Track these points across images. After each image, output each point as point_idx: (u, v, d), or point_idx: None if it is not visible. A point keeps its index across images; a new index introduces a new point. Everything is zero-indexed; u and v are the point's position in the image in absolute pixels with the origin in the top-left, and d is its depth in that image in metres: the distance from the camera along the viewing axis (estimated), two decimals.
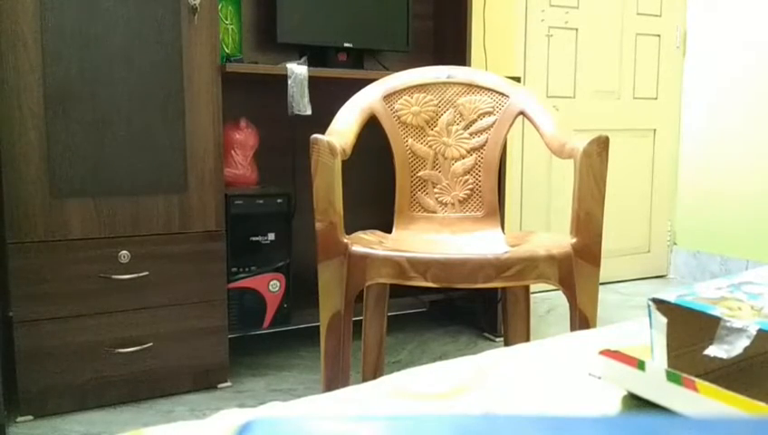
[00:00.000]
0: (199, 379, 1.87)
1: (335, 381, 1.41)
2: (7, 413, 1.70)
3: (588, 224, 1.36)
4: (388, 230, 1.71)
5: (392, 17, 2.26)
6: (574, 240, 1.36)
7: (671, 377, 0.42)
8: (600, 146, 1.36)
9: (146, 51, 1.71)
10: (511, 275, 1.30)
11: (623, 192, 3.16)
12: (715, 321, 0.44)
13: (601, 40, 3.00)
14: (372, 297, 1.66)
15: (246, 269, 1.94)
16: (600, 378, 0.52)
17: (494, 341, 2.33)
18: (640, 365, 0.44)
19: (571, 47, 2.93)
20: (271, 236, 1.96)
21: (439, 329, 2.46)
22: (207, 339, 1.85)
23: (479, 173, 1.72)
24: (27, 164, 1.62)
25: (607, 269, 3.15)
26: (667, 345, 0.46)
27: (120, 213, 1.72)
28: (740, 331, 0.43)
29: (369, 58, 2.40)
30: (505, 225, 2.28)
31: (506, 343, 1.80)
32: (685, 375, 0.42)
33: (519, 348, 0.60)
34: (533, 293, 2.95)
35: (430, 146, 1.74)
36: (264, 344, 2.30)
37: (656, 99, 3.18)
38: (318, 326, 2.19)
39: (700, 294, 0.48)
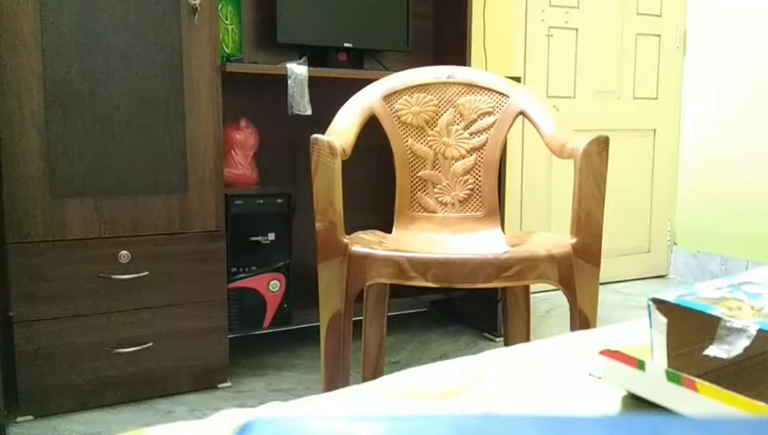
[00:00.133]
0: (199, 379, 1.87)
1: (335, 381, 1.41)
2: (7, 413, 1.70)
3: (588, 224, 1.36)
4: (388, 230, 1.71)
5: (392, 17, 2.26)
6: (574, 240, 1.36)
7: (671, 377, 0.42)
8: (600, 146, 1.36)
9: (146, 51, 1.71)
10: (511, 275, 1.30)
11: (623, 192, 3.16)
12: (715, 321, 0.44)
13: (601, 40, 3.00)
14: (372, 297, 1.66)
15: (246, 269, 1.94)
16: (600, 378, 0.52)
17: (494, 341, 2.33)
18: (640, 365, 0.44)
19: (571, 47, 2.94)
20: (271, 236, 1.96)
21: (439, 329, 2.46)
22: (207, 339, 1.85)
23: (479, 173, 1.72)
24: (27, 164, 1.62)
25: (607, 269, 3.15)
26: (667, 345, 0.46)
27: (120, 213, 1.72)
28: (740, 331, 0.43)
29: (369, 58, 2.40)
30: (505, 225, 2.28)
31: (506, 343, 1.80)
32: (685, 375, 0.42)
33: (519, 348, 0.60)
34: (533, 293, 2.95)
35: (430, 146, 1.74)
36: (263, 344, 2.30)
37: (656, 99, 3.18)
38: (318, 326, 2.19)
39: (700, 294, 0.48)
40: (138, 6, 1.69)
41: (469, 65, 2.30)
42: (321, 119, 2.00)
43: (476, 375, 0.53)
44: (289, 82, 1.88)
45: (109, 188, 1.71)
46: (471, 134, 1.74)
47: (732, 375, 0.48)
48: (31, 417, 1.68)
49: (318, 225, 1.37)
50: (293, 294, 2.05)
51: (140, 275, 1.75)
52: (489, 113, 1.73)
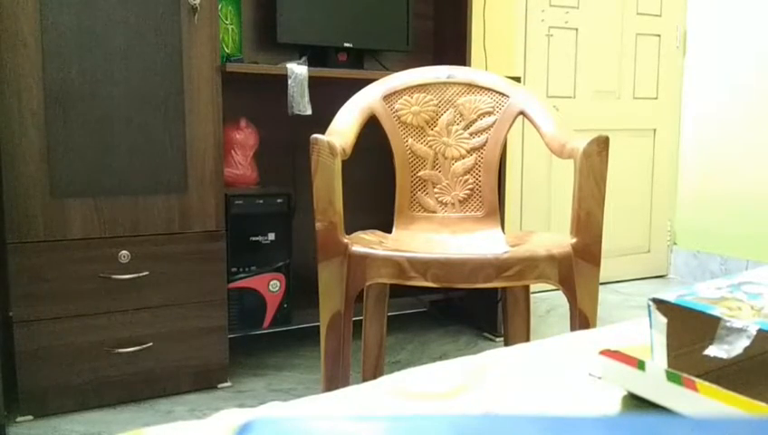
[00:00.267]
0: (199, 379, 1.87)
1: (335, 381, 1.41)
2: (7, 413, 1.70)
3: (588, 224, 1.36)
4: (388, 230, 1.71)
5: (392, 17, 2.26)
6: (574, 240, 1.36)
7: (671, 377, 0.42)
8: (600, 146, 1.36)
9: (146, 51, 1.71)
10: (511, 275, 1.30)
11: (623, 192, 3.16)
12: (715, 321, 0.44)
13: (601, 40, 3.00)
14: (372, 297, 1.66)
15: (246, 269, 1.94)
16: (600, 378, 0.52)
17: (494, 341, 2.33)
18: (640, 365, 0.44)
19: (571, 47, 2.94)
20: (271, 236, 1.96)
21: (439, 329, 2.46)
22: (207, 339, 1.85)
23: (479, 173, 1.72)
24: (27, 164, 1.62)
25: (607, 269, 3.15)
26: (667, 345, 0.46)
27: (120, 213, 1.72)
28: (740, 331, 0.43)
29: (369, 58, 2.40)
30: (505, 225, 2.28)
31: (506, 343, 1.80)
32: (685, 375, 0.42)
33: (519, 348, 0.60)
34: (533, 293, 2.95)
35: (430, 146, 1.74)
36: (263, 344, 2.30)
37: (656, 99, 3.18)
38: (318, 326, 2.19)
39: (700, 294, 0.48)
40: (138, 6, 1.69)
41: (469, 65, 2.30)
42: (321, 119, 2.00)
43: (476, 375, 0.53)
44: (289, 82, 1.88)
45: (109, 188, 1.71)
46: (471, 134, 1.74)
47: (732, 375, 0.48)
48: (31, 417, 1.68)
49: (318, 225, 1.37)
50: (293, 294, 2.05)
51: (140, 275, 1.75)
52: (489, 113, 1.73)
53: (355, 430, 0.21)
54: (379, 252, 1.33)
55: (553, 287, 2.08)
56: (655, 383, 0.43)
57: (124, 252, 1.73)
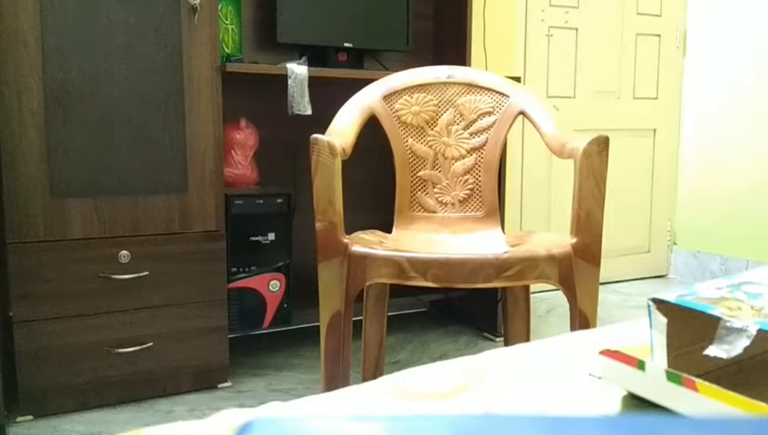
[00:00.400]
0: (199, 379, 1.87)
1: (335, 381, 1.41)
2: (7, 413, 1.70)
3: (588, 224, 1.36)
4: (388, 230, 1.71)
5: (392, 17, 2.26)
6: (574, 240, 1.36)
7: (671, 377, 0.42)
8: (600, 146, 1.36)
9: (146, 51, 1.71)
10: (511, 275, 1.30)
11: (623, 192, 3.16)
12: (715, 321, 0.44)
13: (601, 40, 3.00)
14: (372, 297, 1.66)
15: (246, 269, 1.94)
16: (600, 378, 0.52)
17: (494, 341, 2.33)
18: (640, 365, 0.44)
19: (571, 47, 2.94)
20: (271, 236, 1.96)
21: (439, 329, 2.46)
22: (207, 339, 1.85)
23: (479, 173, 1.72)
24: (27, 164, 1.62)
25: (607, 269, 3.15)
26: (667, 345, 0.46)
27: (120, 213, 1.72)
28: (740, 331, 0.43)
29: (369, 58, 2.40)
30: (505, 225, 2.28)
31: (506, 343, 1.80)
32: (685, 375, 0.42)
33: (519, 348, 0.60)
34: (533, 293, 2.95)
35: (430, 146, 1.74)
36: (263, 344, 2.30)
37: (656, 99, 3.18)
38: (318, 326, 2.19)
39: (700, 294, 0.48)
40: (138, 6, 1.69)
41: (469, 65, 2.30)
42: (321, 119, 2.00)
43: (476, 375, 0.53)
44: (289, 81, 1.88)
45: (109, 188, 1.71)
46: (471, 134, 1.74)
47: (732, 375, 0.48)
48: (31, 417, 1.68)
49: (318, 225, 1.37)
50: (293, 294, 2.05)
51: (140, 275, 1.75)
52: (489, 113, 1.73)
53: (355, 430, 0.21)
54: (379, 252, 1.33)
55: (553, 287, 2.08)
56: (655, 383, 0.43)
57: (124, 252, 1.73)
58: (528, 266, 1.31)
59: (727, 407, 0.39)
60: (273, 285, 1.98)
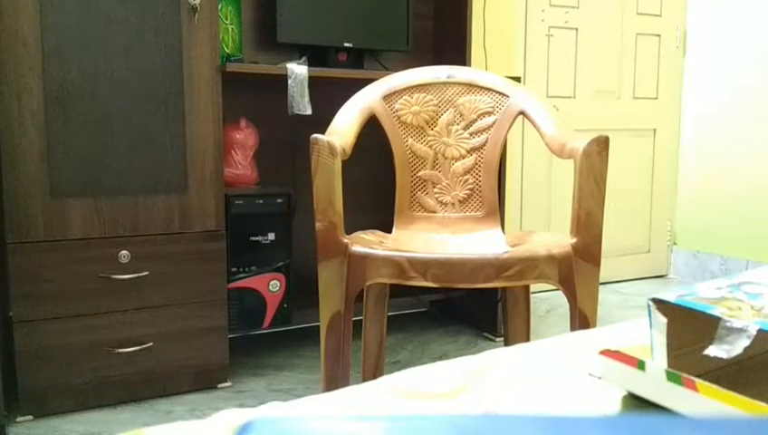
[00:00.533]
0: (199, 379, 1.87)
1: (335, 381, 1.41)
2: (7, 413, 1.70)
3: (588, 224, 1.36)
4: (388, 230, 1.71)
5: (392, 17, 2.26)
6: (574, 240, 1.36)
7: (671, 377, 0.42)
8: (600, 146, 1.36)
9: (146, 51, 1.71)
10: (511, 275, 1.30)
11: (623, 192, 3.16)
12: (715, 321, 0.44)
13: (601, 40, 3.00)
14: (372, 297, 1.66)
15: (246, 269, 1.94)
16: (600, 378, 0.52)
17: (494, 341, 2.33)
18: (640, 365, 0.44)
19: (571, 47, 2.94)
20: (271, 236, 1.96)
21: (439, 329, 2.46)
22: (207, 339, 1.85)
23: (479, 173, 1.72)
24: (27, 164, 1.62)
25: (607, 269, 3.15)
26: (667, 345, 0.46)
27: (120, 213, 1.72)
28: (740, 331, 0.43)
29: (369, 58, 2.40)
30: (505, 225, 2.28)
31: (506, 343, 1.80)
32: (685, 375, 0.42)
33: (519, 348, 0.60)
34: (533, 293, 2.95)
35: (430, 146, 1.74)
36: (263, 344, 2.30)
37: (656, 99, 3.18)
38: (318, 326, 2.19)
39: (700, 294, 0.48)
40: (138, 6, 1.69)
41: (469, 65, 2.30)
42: (321, 119, 2.00)
43: (476, 375, 0.53)
44: (289, 81, 1.88)
45: (109, 188, 1.71)
46: (471, 134, 1.74)
47: (732, 375, 0.48)
48: (31, 417, 1.68)
49: (318, 225, 1.37)
50: (293, 294, 2.05)
51: (140, 275, 1.75)
52: (489, 113, 1.73)
53: (355, 430, 0.21)
54: (379, 252, 1.33)
55: (553, 287, 2.08)
56: (655, 383, 0.43)
57: (124, 252, 1.73)
58: (528, 266, 1.31)
59: (727, 407, 0.39)
60: (273, 285, 1.98)
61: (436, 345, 2.28)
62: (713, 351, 0.43)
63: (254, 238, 1.94)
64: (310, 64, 2.05)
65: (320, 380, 1.93)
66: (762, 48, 2.83)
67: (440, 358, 2.17)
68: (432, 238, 1.64)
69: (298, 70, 1.88)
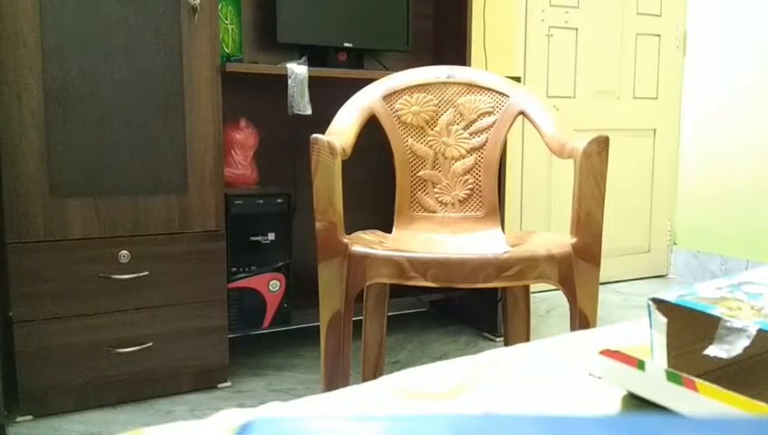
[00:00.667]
0: (199, 379, 1.87)
1: (335, 381, 1.41)
2: (7, 413, 1.70)
3: (588, 224, 1.36)
4: (388, 230, 1.71)
5: (392, 17, 2.26)
6: (574, 240, 1.36)
7: (671, 377, 0.42)
8: (600, 146, 1.36)
9: (146, 51, 1.71)
10: (511, 274, 1.30)
11: (623, 192, 3.16)
12: (715, 321, 0.44)
13: (601, 40, 3.00)
14: (372, 297, 1.66)
15: (246, 269, 1.94)
16: (600, 378, 0.52)
17: (494, 341, 2.33)
18: (640, 365, 0.44)
19: (571, 47, 2.93)
20: (271, 236, 1.96)
21: (439, 329, 2.46)
22: (207, 339, 1.85)
23: (479, 173, 1.72)
24: (27, 164, 1.62)
25: (607, 269, 3.15)
26: (667, 345, 0.46)
27: (120, 213, 1.72)
28: (740, 331, 0.43)
29: (369, 58, 2.40)
30: (505, 225, 2.28)
31: (506, 343, 1.80)
32: (685, 375, 0.42)
33: (519, 348, 0.60)
34: (533, 293, 2.95)
35: (430, 146, 1.74)
36: (263, 344, 2.30)
37: (656, 99, 3.18)
38: (318, 326, 2.19)
39: (700, 294, 0.48)
40: (138, 6, 1.69)
41: (469, 65, 2.30)
42: (321, 119, 2.00)
43: (476, 375, 0.53)
44: (289, 81, 1.88)
45: (109, 188, 1.71)
46: (471, 134, 1.74)
47: (732, 375, 0.48)
48: (31, 417, 1.68)
49: (318, 225, 1.37)
50: (293, 294, 2.05)
51: (140, 275, 1.75)
52: (489, 113, 1.73)
53: (355, 429, 0.21)
54: (379, 252, 1.33)
55: (553, 287, 2.08)
56: (655, 383, 0.43)
57: (124, 252, 1.73)
58: (528, 266, 1.31)
59: (727, 407, 0.39)
60: (273, 285, 1.98)
61: (436, 345, 2.28)
62: (713, 351, 0.43)
63: (254, 238, 1.94)
64: (310, 64, 2.05)
65: (320, 380, 1.93)
66: (762, 48, 2.83)
67: (440, 358, 2.17)
68: (432, 238, 1.64)
69: (298, 70, 1.88)
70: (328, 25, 2.16)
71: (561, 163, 2.96)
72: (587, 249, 1.36)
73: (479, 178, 1.72)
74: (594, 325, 1.38)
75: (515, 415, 0.22)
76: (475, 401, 0.48)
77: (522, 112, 1.68)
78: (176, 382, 1.84)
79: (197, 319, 1.83)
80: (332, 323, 1.39)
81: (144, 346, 1.77)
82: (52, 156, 1.65)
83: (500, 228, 1.70)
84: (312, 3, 2.13)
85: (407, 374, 0.53)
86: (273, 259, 1.97)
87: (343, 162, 1.41)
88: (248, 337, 2.36)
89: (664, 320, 0.46)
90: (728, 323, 0.43)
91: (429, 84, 1.75)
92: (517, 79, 1.92)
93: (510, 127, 1.71)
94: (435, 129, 1.74)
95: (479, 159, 1.73)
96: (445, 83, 1.75)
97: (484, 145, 1.73)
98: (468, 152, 1.73)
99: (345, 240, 1.37)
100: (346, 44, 2.19)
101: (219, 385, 1.90)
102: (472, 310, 2.48)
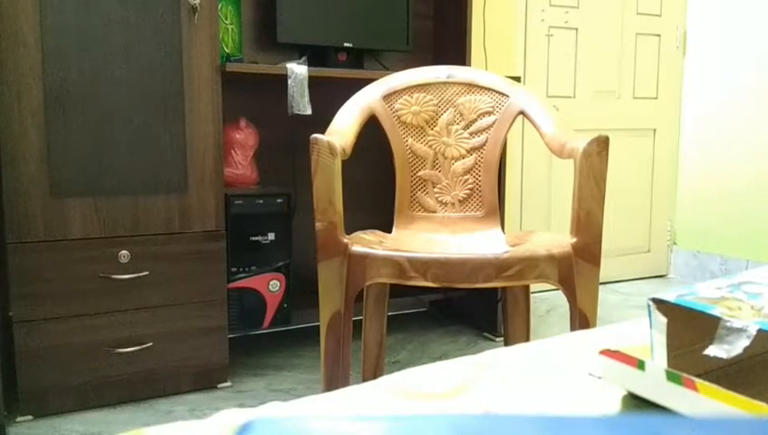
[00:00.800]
0: (199, 379, 1.87)
1: (335, 381, 1.41)
2: (7, 413, 1.70)
3: (588, 224, 1.36)
4: (388, 230, 1.71)
5: (392, 17, 2.26)
6: (574, 240, 1.36)
7: (671, 377, 0.42)
8: (600, 146, 1.36)
9: (146, 51, 1.71)
10: (511, 274, 1.30)
11: (623, 192, 3.16)
12: (715, 321, 0.44)
13: (601, 40, 3.00)
14: (372, 297, 1.66)
15: (246, 269, 1.94)
16: (600, 378, 0.52)
17: (494, 341, 2.33)
18: (640, 365, 0.44)
19: (571, 47, 2.93)
20: (271, 236, 1.96)
21: (439, 329, 2.46)
22: (207, 339, 1.85)
23: (479, 173, 1.72)
24: (27, 164, 1.62)
25: (607, 269, 3.15)
26: (667, 345, 0.46)
27: (120, 213, 1.72)
28: (740, 331, 0.42)
29: (369, 58, 2.40)
30: (505, 225, 2.28)
31: (506, 343, 1.80)
32: (685, 375, 0.42)
33: (519, 348, 0.60)
34: (533, 293, 2.95)
35: (430, 146, 1.74)
36: (263, 344, 2.30)
37: (656, 99, 3.18)
38: (318, 326, 2.19)
39: (700, 294, 0.48)
40: (138, 6, 1.69)
41: (469, 65, 2.30)
42: (321, 119, 2.00)
43: (476, 375, 0.53)
44: (289, 81, 1.88)
45: (109, 188, 1.71)
46: (471, 134, 1.73)
47: (732, 375, 0.48)
48: (31, 417, 1.68)
49: (318, 225, 1.37)
50: (293, 294, 2.04)
51: (140, 274, 1.75)
52: (489, 113, 1.73)
53: (355, 429, 0.21)
54: (379, 252, 1.33)
55: (553, 287, 2.08)
56: (655, 383, 0.43)
57: (124, 252, 1.73)
58: (528, 266, 1.31)
59: (727, 407, 0.39)
60: (272, 285, 1.98)
61: (436, 345, 2.28)
62: (713, 351, 0.43)
63: (253, 238, 1.94)
64: (310, 64, 2.05)
65: (320, 380, 1.93)
66: (762, 48, 2.83)
67: (440, 358, 2.17)
68: (432, 238, 1.64)
69: (298, 70, 1.88)
70: (328, 25, 2.16)
71: (561, 163, 2.96)
72: (587, 249, 1.36)
73: (479, 178, 1.72)
74: (594, 325, 1.38)
75: (515, 415, 0.22)
76: (475, 401, 0.48)
77: (522, 112, 1.68)
78: (176, 382, 1.84)
79: (197, 319, 1.83)
80: (332, 323, 1.39)
81: (144, 346, 1.77)
82: (52, 156, 1.65)
83: (500, 228, 1.70)
84: (312, 3, 2.13)
85: (407, 374, 0.53)
86: (273, 259, 1.97)
87: (343, 162, 1.41)
88: (248, 337, 2.36)
89: (664, 320, 0.46)
90: (728, 323, 0.43)
91: (429, 84, 1.75)
92: (517, 79, 1.92)
93: (510, 127, 1.71)
94: (435, 129, 1.74)
95: (479, 158, 1.73)
96: (445, 83, 1.75)
97: (484, 145, 1.73)
98: (468, 152, 1.73)
99: (345, 240, 1.37)
100: (346, 44, 2.19)
101: (219, 385, 1.90)
102: (472, 310, 2.48)
